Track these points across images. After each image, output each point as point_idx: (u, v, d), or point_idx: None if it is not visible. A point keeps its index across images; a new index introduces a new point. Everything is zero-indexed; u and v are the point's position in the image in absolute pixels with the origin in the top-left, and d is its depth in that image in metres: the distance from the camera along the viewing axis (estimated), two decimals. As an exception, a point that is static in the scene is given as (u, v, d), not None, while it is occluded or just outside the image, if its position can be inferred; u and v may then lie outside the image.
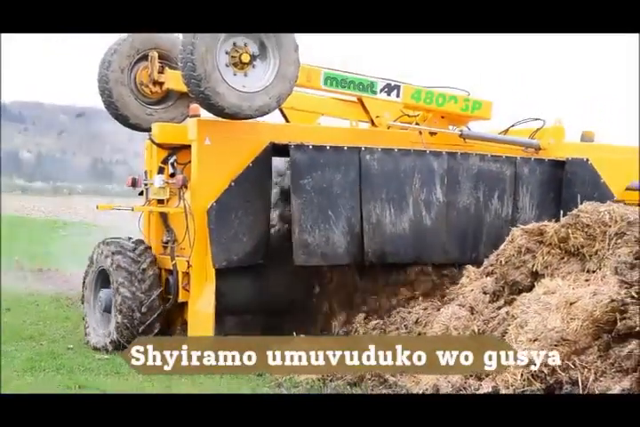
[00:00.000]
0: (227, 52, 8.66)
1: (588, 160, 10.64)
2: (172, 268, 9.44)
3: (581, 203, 8.19)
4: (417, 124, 10.78)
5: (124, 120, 10.67)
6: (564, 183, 10.54)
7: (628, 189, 11.05)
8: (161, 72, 10.36)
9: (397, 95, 10.38)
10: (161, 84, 10.43)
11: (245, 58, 8.68)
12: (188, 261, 9.19)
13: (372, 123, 10.52)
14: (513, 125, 11.18)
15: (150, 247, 9.73)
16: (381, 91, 10.25)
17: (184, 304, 9.38)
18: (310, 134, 9.69)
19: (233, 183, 9.04)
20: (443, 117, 10.99)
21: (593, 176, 10.63)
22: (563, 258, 8.04)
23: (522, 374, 6.79)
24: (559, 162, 10.65)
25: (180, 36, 8.86)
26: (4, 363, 8.73)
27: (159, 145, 9.78)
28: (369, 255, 9.37)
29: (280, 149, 9.21)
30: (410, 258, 9.73)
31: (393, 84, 10.32)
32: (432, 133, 10.53)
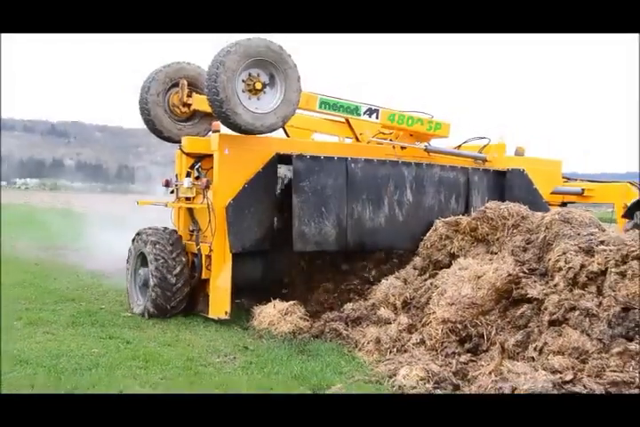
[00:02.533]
0: (243, 81, 9.45)
1: (523, 170, 11.88)
2: (196, 251, 10.29)
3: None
4: (391, 140, 11.90)
5: (159, 134, 11.58)
6: (505, 188, 11.71)
7: (552, 193, 12.32)
8: (189, 96, 11.39)
9: (377, 117, 11.32)
10: (189, 105, 11.42)
11: (258, 85, 9.51)
12: (210, 247, 9.99)
13: (357, 138, 11.65)
14: (465, 142, 12.37)
15: (180, 235, 10.54)
16: (364, 113, 11.23)
17: (206, 280, 10.21)
18: (308, 147, 10.63)
19: (246, 185, 9.85)
20: (411, 135, 12.09)
21: (527, 183, 11.83)
22: (473, 243, 9.25)
23: (442, 329, 7.89)
24: (501, 171, 11.90)
25: (205, 67, 9.57)
26: (54, 318, 9.97)
27: (187, 154, 10.55)
28: (351, 244, 10.26)
29: (284, 158, 10.08)
30: (384, 246, 10.72)
31: (373, 108, 11.28)
32: (403, 148, 11.59)
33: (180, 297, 10.11)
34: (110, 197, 26.85)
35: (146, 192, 19.68)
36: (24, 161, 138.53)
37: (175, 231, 10.63)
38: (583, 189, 12.65)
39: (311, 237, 9.91)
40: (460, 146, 12.39)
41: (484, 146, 12.27)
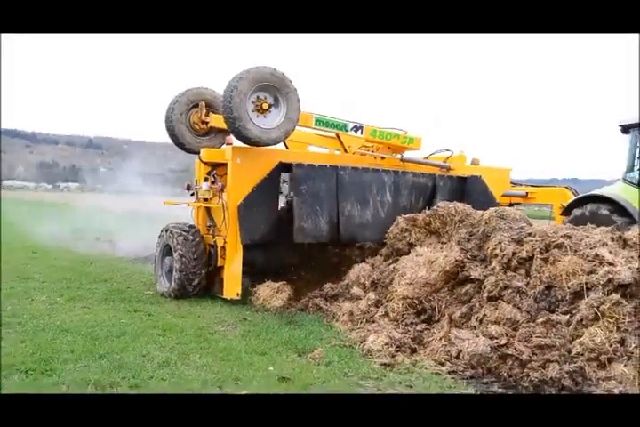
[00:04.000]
0: (253, 102, 9.31)
1: (480, 177, 11.75)
2: (213, 243, 10.15)
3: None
4: (372, 151, 11.70)
5: (182, 146, 11.39)
6: (465, 192, 11.48)
7: (503, 195, 12.19)
8: (207, 115, 11.25)
9: (361, 133, 11.12)
10: (207, 123, 11.29)
11: (265, 106, 9.38)
12: (225, 239, 9.85)
13: (345, 150, 11.45)
14: (432, 153, 12.22)
15: (199, 230, 10.38)
16: (351, 129, 11.02)
17: (221, 268, 10.03)
18: (305, 157, 10.49)
19: (255, 188, 9.70)
20: (389, 148, 11.85)
21: (484, 187, 11.72)
22: (427, 235, 9.23)
23: (402, 304, 7.88)
24: (462, 178, 11.70)
25: (220, 91, 9.50)
26: (89, 295, 9.94)
27: (205, 163, 10.36)
28: (342, 237, 10.12)
29: (286, 166, 9.94)
30: (369, 239, 10.46)
31: (358, 125, 11.08)
32: (382, 158, 11.52)
33: (199, 281, 10.01)
34: (135, 198, 26.66)
35: (164, 194, 19.59)
36: (66, 168, 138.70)
37: (195, 227, 10.50)
38: (527, 193, 12.58)
39: (308, 231, 9.78)
40: (427, 156, 12.25)
41: (448, 157, 12.11)
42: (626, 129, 10.67)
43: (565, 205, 11.13)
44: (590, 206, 10.26)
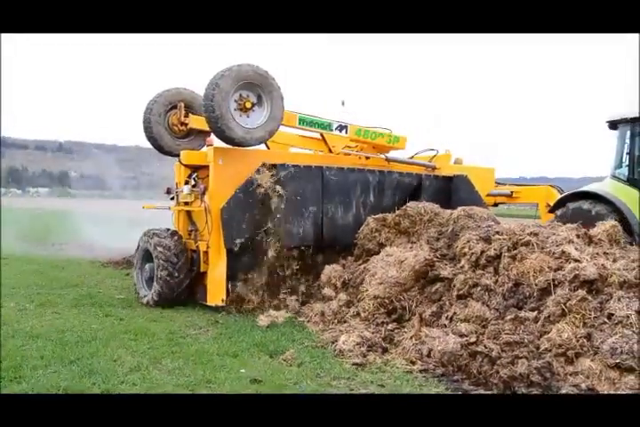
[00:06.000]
0: (235, 101, 9.09)
1: (466, 176, 11.49)
2: (195, 248, 9.74)
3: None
4: (357, 151, 11.50)
5: (160, 148, 11.01)
6: (451, 191, 11.27)
7: (488, 195, 12.17)
8: (186, 116, 10.86)
9: (346, 132, 10.93)
10: (186, 124, 10.88)
11: (248, 105, 9.17)
12: (207, 244, 9.50)
13: (330, 150, 11.18)
14: (417, 153, 12.12)
15: (180, 235, 9.96)
16: (335, 129, 10.82)
17: (204, 273, 9.66)
18: (289, 157, 10.20)
19: (237, 191, 9.32)
20: (374, 147, 11.63)
21: (469, 186, 11.43)
22: (397, 235, 9.21)
23: (373, 304, 7.88)
24: (448, 177, 11.43)
25: (202, 91, 9.08)
26: (60, 300, 9.79)
27: (185, 165, 10.05)
28: (325, 239, 9.78)
29: (269, 168, 9.56)
30: (352, 241, 9.81)
31: (343, 124, 10.90)
32: (367, 157, 11.27)
33: (182, 288, 9.61)
34: (108, 202, 26.47)
35: (139, 198, 19.46)
36: (36, 173, 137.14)
37: (176, 232, 10.09)
38: (512, 192, 12.57)
39: (295, 234, 9.53)
40: (412, 156, 12.10)
41: (433, 156, 12.02)
42: (614, 125, 10.54)
43: (553, 203, 11.05)
44: (580, 203, 10.18)
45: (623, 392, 5.47)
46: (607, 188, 10.25)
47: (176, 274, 9.52)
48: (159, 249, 9.60)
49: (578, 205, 10.13)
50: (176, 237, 9.85)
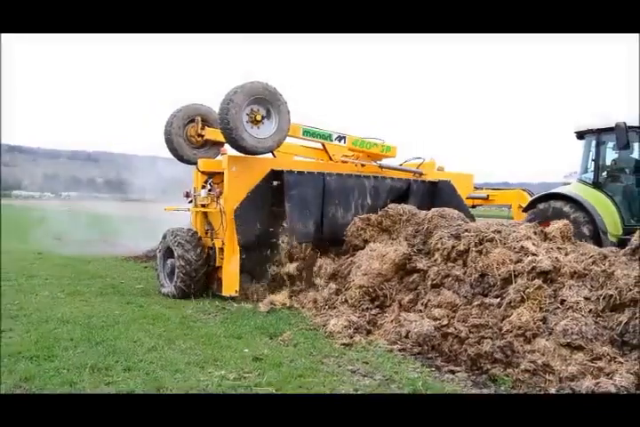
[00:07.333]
0: (247, 114, 9.02)
1: (450, 181, 11.27)
2: (211, 245, 9.58)
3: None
4: (354, 159, 11.16)
5: (180, 158, 10.99)
6: (437, 194, 11.05)
7: (468, 197, 12.03)
8: (203, 129, 10.92)
9: (344, 142, 10.84)
10: (202, 136, 10.95)
11: (258, 117, 9.09)
12: (222, 241, 9.38)
13: (330, 158, 10.95)
14: (406, 161, 11.94)
15: (198, 233, 9.81)
16: (335, 139, 10.73)
17: (219, 267, 9.47)
18: (294, 165, 10.06)
19: (249, 194, 9.30)
20: (369, 156, 11.42)
21: (453, 190, 11.20)
22: (379, 232, 9.14)
23: (359, 292, 7.86)
24: (434, 182, 11.21)
25: (214, 107, 9.16)
26: (87, 290, 9.78)
27: (202, 172, 9.92)
28: (326, 237, 9.61)
29: (277, 174, 9.52)
30: None
31: (342, 135, 10.80)
32: (363, 165, 11.04)
33: (200, 280, 9.46)
34: (128, 205, 26.30)
35: (156, 201, 19.30)
36: (67, 179, 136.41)
37: (194, 231, 9.94)
38: (488, 195, 12.53)
39: (299, 232, 9.40)
40: (402, 164, 11.95)
41: (420, 163, 11.84)
42: (581, 135, 10.66)
43: (525, 204, 11.06)
44: (552, 203, 10.24)
45: (596, 381, 5.15)
46: (575, 190, 10.34)
47: (194, 268, 9.37)
48: (179, 246, 9.51)
49: (549, 206, 10.25)
50: (194, 235, 9.72)
